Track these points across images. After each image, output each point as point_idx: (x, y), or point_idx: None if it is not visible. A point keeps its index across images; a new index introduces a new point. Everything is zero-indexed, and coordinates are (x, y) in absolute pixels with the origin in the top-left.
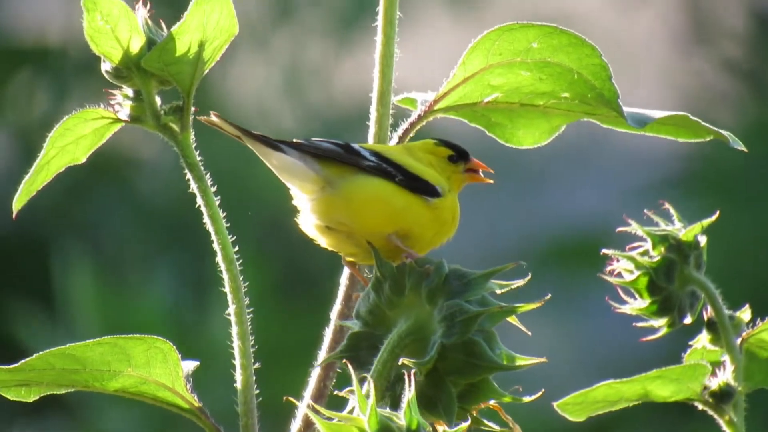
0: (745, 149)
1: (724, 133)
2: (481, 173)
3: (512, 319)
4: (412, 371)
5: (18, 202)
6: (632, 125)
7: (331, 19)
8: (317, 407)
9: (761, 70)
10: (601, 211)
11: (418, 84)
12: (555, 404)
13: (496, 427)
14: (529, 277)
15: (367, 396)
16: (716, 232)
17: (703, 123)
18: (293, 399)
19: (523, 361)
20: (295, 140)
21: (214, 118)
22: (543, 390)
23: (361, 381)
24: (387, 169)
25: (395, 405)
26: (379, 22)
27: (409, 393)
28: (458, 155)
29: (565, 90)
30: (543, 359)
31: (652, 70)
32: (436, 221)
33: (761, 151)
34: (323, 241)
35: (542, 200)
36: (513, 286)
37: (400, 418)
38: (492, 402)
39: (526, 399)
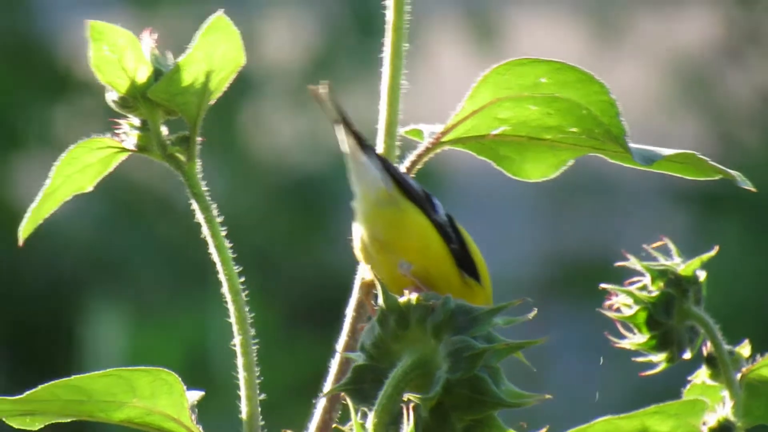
0: (753, 189)
1: (732, 172)
2: None
3: (518, 355)
4: (411, 405)
5: (24, 231)
6: (639, 162)
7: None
8: None
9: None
10: (608, 242)
11: (432, 116)
12: None
13: None
14: (534, 312)
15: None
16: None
17: (710, 162)
18: (297, 431)
19: (528, 397)
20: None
21: (321, 90)
22: (548, 426)
23: (365, 414)
24: (449, 232)
25: None
26: (386, 53)
27: (407, 427)
28: None
29: (573, 125)
30: (548, 396)
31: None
32: (458, 293)
33: None
34: (358, 250)
35: (553, 230)
36: (519, 321)
37: None
38: None
39: None
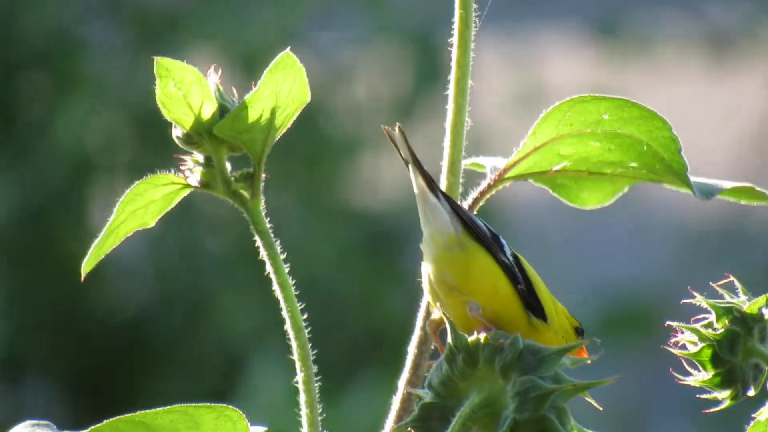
0: None
1: None
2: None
3: (585, 395)
4: None
5: (87, 266)
6: (700, 196)
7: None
8: None
9: None
10: (637, 277)
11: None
12: None
13: None
14: (602, 353)
15: None
16: None
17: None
18: None
19: None
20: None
21: (396, 133)
22: None
23: None
24: (516, 273)
25: None
26: (451, 91)
27: None
28: (582, 332)
29: (633, 160)
30: None
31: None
32: (526, 333)
33: None
34: (427, 291)
35: (583, 266)
36: (585, 361)
37: None
38: None
39: None
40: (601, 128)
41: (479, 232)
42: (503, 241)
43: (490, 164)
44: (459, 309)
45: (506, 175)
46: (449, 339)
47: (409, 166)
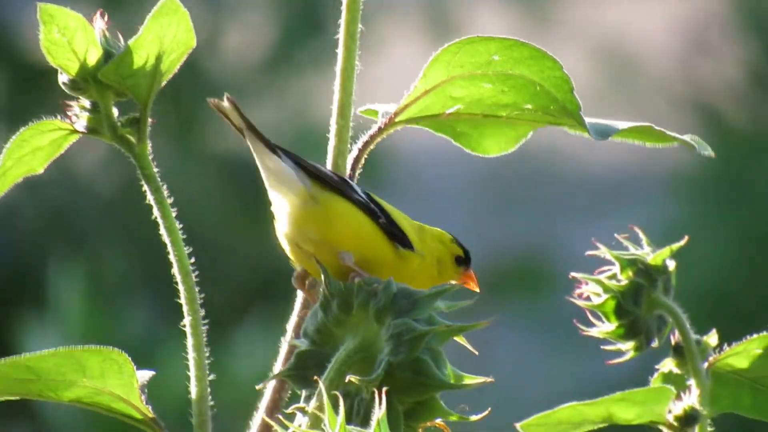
0: (712, 154)
1: (688, 140)
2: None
3: (459, 339)
4: (384, 389)
5: None
6: (595, 136)
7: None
8: (280, 419)
9: None
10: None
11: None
12: (518, 425)
13: None
14: (476, 297)
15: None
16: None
17: (667, 132)
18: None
19: (470, 380)
20: (291, 151)
21: (225, 103)
22: (489, 409)
23: (308, 399)
24: (373, 208)
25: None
26: (341, 35)
27: (379, 411)
28: (465, 260)
29: (527, 102)
30: (490, 379)
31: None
32: (397, 265)
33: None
34: (289, 252)
35: (499, 222)
36: (460, 306)
37: None
38: (439, 420)
39: (473, 418)
40: (492, 69)
41: (328, 179)
42: (353, 183)
43: (382, 109)
44: (329, 260)
45: (397, 119)
46: (323, 286)
47: (244, 132)
